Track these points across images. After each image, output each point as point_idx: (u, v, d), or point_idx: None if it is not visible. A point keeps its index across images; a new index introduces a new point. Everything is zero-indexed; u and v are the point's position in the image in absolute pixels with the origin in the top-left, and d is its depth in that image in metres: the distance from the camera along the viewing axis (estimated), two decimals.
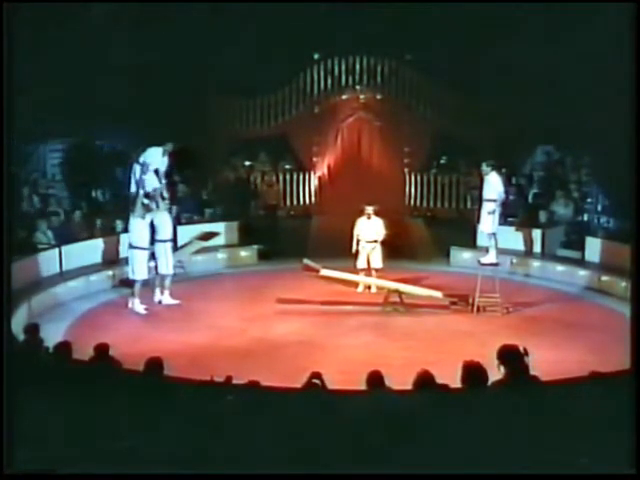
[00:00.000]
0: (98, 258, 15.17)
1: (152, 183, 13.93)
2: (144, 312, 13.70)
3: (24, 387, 5.57)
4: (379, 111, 19.21)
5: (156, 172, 13.99)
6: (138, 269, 13.73)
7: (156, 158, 13.99)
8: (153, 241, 14.07)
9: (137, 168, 13.88)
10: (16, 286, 11.66)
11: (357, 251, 14.79)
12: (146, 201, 13.76)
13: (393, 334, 12.68)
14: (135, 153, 17.89)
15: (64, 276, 14.49)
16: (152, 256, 14.14)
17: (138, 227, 13.78)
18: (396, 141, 19.29)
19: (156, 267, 14.23)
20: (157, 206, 13.93)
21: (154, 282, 14.27)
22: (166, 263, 14.17)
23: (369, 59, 18.98)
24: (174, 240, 15.06)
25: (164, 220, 14.21)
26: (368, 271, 14.79)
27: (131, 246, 13.87)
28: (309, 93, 19.23)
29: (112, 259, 15.21)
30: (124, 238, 14.90)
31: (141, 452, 4.65)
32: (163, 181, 14.17)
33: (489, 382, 5.72)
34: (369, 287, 14.71)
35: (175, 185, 17.74)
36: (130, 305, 13.75)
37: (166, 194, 14.30)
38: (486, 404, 5.25)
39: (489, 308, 13.61)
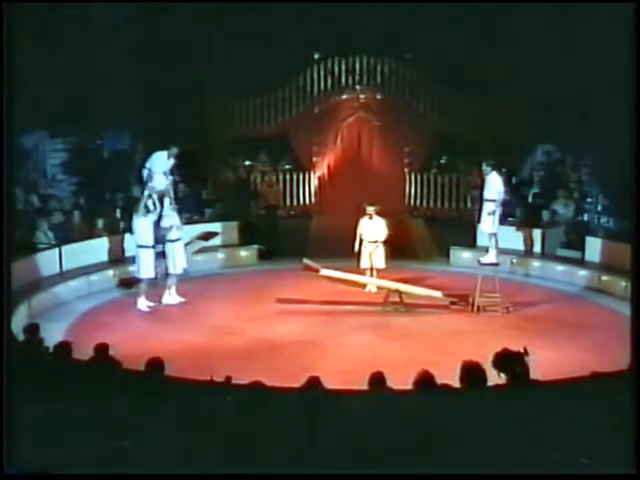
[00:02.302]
0: (98, 258, 15.16)
1: (160, 186, 14.04)
2: (147, 309, 13.74)
3: (24, 387, 5.57)
4: (379, 111, 19.21)
5: (164, 174, 14.15)
6: (144, 268, 13.77)
7: (162, 162, 14.13)
8: (159, 241, 14.10)
9: (145, 173, 14.04)
10: (16, 286, 11.66)
11: (360, 251, 14.78)
12: (150, 202, 13.80)
13: (393, 334, 12.67)
14: (136, 153, 18.01)
15: (64, 276, 14.50)
16: (161, 255, 14.19)
17: (141, 226, 13.81)
18: (396, 141, 19.30)
19: (166, 267, 14.29)
20: (162, 208, 13.98)
21: (163, 282, 14.31)
22: (174, 263, 14.19)
23: (369, 59, 18.98)
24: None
25: (173, 220, 14.24)
26: (371, 271, 14.78)
27: (137, 245, 13.92)
28: (309, 93, 19.23)
29: (112, 259, 15.22)
30: (126, 237, 14.94)
31: (141, 452, 4.65)
32: (169, 178, 14.23)
33: (488, 382, 5.72)
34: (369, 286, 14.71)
35: (175, 185, 17.77)
36: (137, 306, 13.81)
37: (172, 194, 14.35)
38: (486, 404, 5.25)
39: (489, 308, 13.61)
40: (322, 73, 19.13)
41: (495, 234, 14.11)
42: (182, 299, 14.17)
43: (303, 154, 19.53)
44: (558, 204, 16.79)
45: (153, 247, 13.90)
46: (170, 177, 14.32)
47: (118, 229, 15.80)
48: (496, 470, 4.26)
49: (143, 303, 13.80)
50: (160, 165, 14.09)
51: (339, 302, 13.99)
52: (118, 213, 16.43)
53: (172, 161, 14.27)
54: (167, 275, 14.29)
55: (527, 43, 17.29)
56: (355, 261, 14.80)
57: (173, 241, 14.24)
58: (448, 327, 12.99)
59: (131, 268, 14.42)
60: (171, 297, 14.17)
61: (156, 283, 14.20)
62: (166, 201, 14.13)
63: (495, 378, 5.79)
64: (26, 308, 12.77)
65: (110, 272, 14.97)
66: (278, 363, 10.97)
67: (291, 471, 4.35)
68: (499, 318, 13.37)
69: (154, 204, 13.87)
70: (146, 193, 13.88)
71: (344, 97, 19.29)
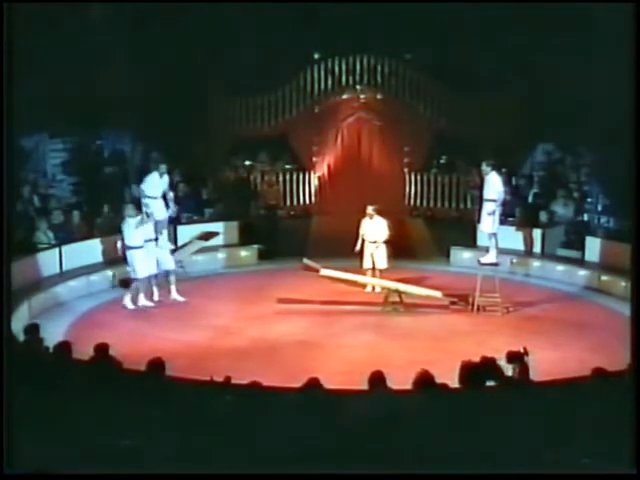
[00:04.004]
0: (98, 258, 15.16)
1: (161, 213, 14.28)
2: (151, 304, 13.85)
3: (24, 387, 5.57)
4: (379, 111, 19.18)
5: (164, 197, 14.38)
6: (139, 268, 13.80)
7: (154, 183, 14.32)
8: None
9: (140, 193, 14.29)
10: (16, 286, 11.66)
11: (361, 251, 14.78)
12: (145, 216, 13.95)
13: (393, 334, 12.67)
14: (136, 153, 18.02)
15: (64, 276, 14.49)
16: None
17: (131, 227, 13.85)
18: (396, 141, 19.26)
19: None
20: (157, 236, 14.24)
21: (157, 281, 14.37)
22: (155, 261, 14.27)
23: (369, 59, 18.96)
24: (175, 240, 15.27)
25: (164, 245, 14.46)
26: (373, 271, 14.78)
27: (128, 247, 13.91)
28: (309, 93, 19.19)
29: (112, 258, 15.21)
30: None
31: (141, 452, 4.66)
32: (169, 198, 14.46)
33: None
34: (373, 286, 14.71)
35: (175, 185, 17.77)
36: (138, 304, 13.85)
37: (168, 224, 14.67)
38: (486, 404, 5.25)
39: (489, 308, 13.60)
40: (322, 73, 19.10)
41: (495, 234, 14.10)
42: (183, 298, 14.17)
43: (303, 154, 19.50)
44: (558, 204, 16.78)
45: (143, 247, 13.93)
46: (170, 196, 14.52)
47: (117, 229, 15.78)
48: (496, 470, 4.26)
49: (143, 299, 13.86)
50: (153, 186, 14.27)
51: (339, 302, 13.98)
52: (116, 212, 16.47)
53: (166, 179, 14.48)
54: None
55: (527, 43, 17.27)
56: (355, 261, 14.80)
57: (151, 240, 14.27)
58: (448, 327, 12.99)
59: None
60: (177, 294, 14.16)
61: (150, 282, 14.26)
62: (162, 237, 14.31)
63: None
64: (26, 308, 12.77)
65: (110, 272, 14.96)
66: (278, 363, 10.98)
67: (291, 471, 4.35)
68: (499, 318, 13.37)
69: (147, 216, 13.97)
70: (144, 210, 13.98)
71: (344, 97, 19.26)
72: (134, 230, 13.78)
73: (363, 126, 19.31)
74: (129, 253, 13.91)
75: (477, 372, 5.78)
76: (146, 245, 14.01)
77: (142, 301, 13.89)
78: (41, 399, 5.47)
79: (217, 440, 4.79)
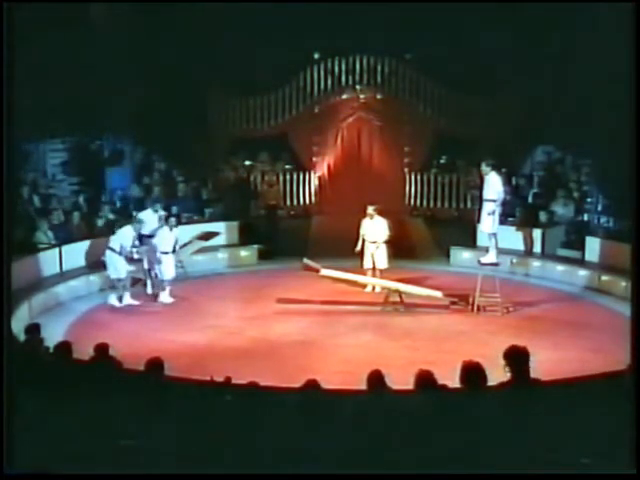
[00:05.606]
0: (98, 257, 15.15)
1: (169, 272, 14.30)
2: (136, 302, 13.98)
3: (24, 387, 5.57)
4: (379, 111, 19.20)
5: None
6: (119, 268, 13.88)
7: (166, 238, 14.38)
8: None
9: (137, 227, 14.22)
10: (16, 286, 11.66)
11: (361, 251, 14.78)
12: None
13: (393, 334, 12.66)
14: (136, 150, 17.96)
15: (64, 276, 14.49)
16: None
17: (122, 237, 13.92)
18: (396, 141, 19.29)
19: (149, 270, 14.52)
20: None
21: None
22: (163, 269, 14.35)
23: (369, 59, 18.98)
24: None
25: (165, 234, 14.47)
26: (373, 271, 14.77)
27: (110, 248, 13.93)
28: (309, 93, 19.22)
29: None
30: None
31: (141, 452, 4.66)
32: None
33: (489, 383, 5.71)
34: (373, 286, 14.71)
35: (175, 185, 17.78)
36: (123, 302, 13.94)
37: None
38: (486, 404, 5.25)
39: (489, 308, 13.60)
40: (322, 73, 19.12)
41: (495, 234, 14.09)
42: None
43: (303, 154, 19.52)
44: (558, 204, 16.78)
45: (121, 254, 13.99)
46: (187, 254, 15.03)
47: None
48: (496, 470, 4.26)
49: (127, 300, 13.99)
50: (165, 242, 14.32)
51: (339, 302, 13.99)
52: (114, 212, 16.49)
53: (176, 232, 14.55)
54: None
55: (527, 43, 17.28)
56: (356, 261, 14.80)
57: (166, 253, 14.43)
58: (448, 327, 12.98)
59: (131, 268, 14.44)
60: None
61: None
62: (164, 293, 14.31)
63: (495, 378, 5.78)
64: (26, 308, 12.77)
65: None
66: (278, 363, 10.97)
67: (290, 471, 4.35)
68: (499, 318, 13.37)
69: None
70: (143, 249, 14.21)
71: (344, 97, 19.28)
72: (122, 240, 13.87)
73: (363, 126, 19.34)
74: (109, 254, 13.95)
75: (515, 357, 5.75)
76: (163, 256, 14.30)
77: (128, 300, 13.96)
78: (41, 399, 5.47)
79: (217, 440, 4.79)
